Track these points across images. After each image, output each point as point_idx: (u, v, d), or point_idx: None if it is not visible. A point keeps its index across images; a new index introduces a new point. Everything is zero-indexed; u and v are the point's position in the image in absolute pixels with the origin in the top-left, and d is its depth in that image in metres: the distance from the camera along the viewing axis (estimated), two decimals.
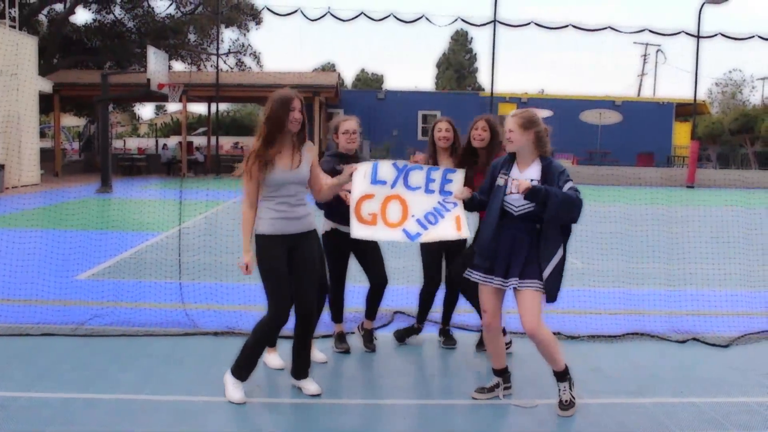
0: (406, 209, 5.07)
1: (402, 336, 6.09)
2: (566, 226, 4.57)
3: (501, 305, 4.72)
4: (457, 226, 5.03)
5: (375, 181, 5.07)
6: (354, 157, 5.54)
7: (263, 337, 4.70)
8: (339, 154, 5.57)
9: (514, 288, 4.53)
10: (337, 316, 5.86)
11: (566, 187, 4.43)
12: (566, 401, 4.56)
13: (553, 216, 4.42)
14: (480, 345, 5.86)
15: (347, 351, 5.77)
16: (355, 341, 5.94)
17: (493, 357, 4.85)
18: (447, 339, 6.05)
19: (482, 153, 5.60)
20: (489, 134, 5.60)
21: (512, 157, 4.68)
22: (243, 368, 4.70)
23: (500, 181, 4.61)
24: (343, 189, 5.11)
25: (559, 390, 4.59)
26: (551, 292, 4.49)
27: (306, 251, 4.72)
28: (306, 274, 4.72)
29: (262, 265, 4.62)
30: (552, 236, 4.48)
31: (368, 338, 5.90)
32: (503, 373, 4.86)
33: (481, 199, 4.83)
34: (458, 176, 5.12)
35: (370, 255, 5.69)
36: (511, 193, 4.51)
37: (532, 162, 4.58)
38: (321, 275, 5.13)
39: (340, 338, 5.86)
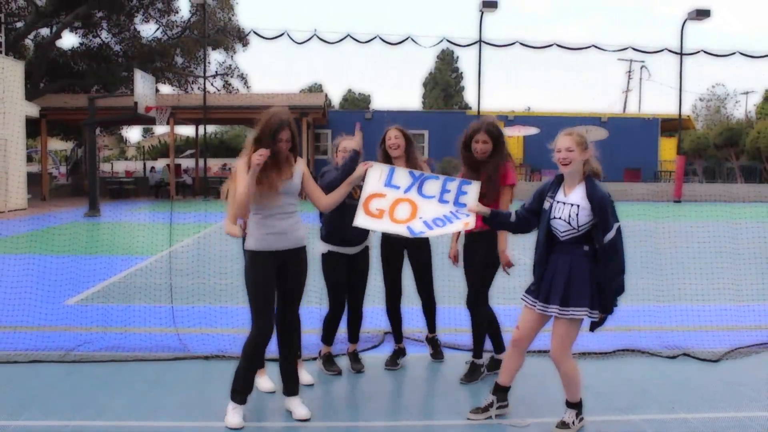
0: (415, 211, 5.03)
1: (392, 362, 6.00)
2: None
3: (536, 330, 4.65)
4: (462, 228, 5.03)
5: (389, 183, 5.06)
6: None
7: (252, 355, 4.67)
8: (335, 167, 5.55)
9: (554, 315, 4.50)
10: (329, 338, 5.83)
11: (612, 232, 4.31)
12: (567, 423, 4.54)
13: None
14: (492, 366, 5.78)
15: (339, 373, 5.74)
16: (345, 363, 5.92)
17: (503, 371, 4.82)
18: (435, 351, 6.05)
19: (487, 165, 5.39)
20: (491, 145, 5.42)
21: (560, 179, 4.57)
22: (239, 391, 4.67)
23: (546, 204, 4.53)
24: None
25: (565, 413, 4.59)
26: (606, 307, 4.47)
27: (294, 269, 4.71)
28: (291, 292, 4.73)
29: (249, 280, 4.61)
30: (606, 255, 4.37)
31: (355, 358, 5.90)
32: (502, 391, 4.82)
33: (521, 216, 4.72)
34: (473, 188, 5.08)
35: (359, 281, 5.70)
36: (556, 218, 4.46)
37: (577, 184, 4.47)
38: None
39: (330, 360, 5.84)
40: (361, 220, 5.01)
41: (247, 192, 4.42)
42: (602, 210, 4.32)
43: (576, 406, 4.58)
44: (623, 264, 4.38)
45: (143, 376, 5.61)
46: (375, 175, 5.05)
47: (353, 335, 5.89)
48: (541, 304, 4.52)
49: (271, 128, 4.54)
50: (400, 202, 5.05)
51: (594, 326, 4.58)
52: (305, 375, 5.50)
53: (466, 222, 4.97)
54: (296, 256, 4.72)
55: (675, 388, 5.42)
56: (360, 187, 5.26)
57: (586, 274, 4.39)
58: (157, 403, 5.04)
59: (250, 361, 4.68)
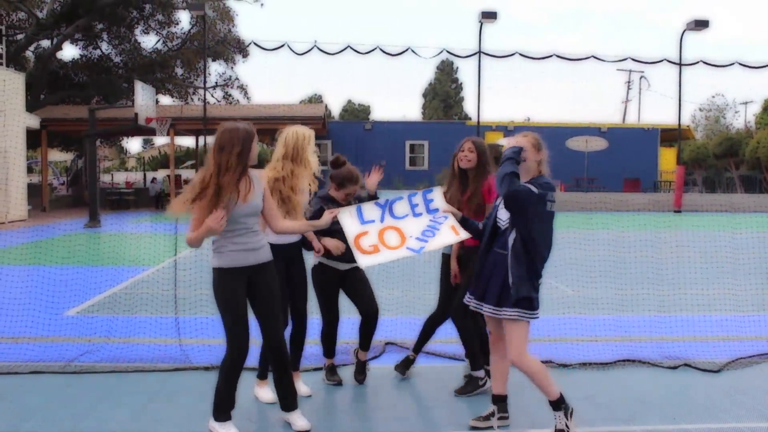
0: (402, 234, 5.08)
1: (403, 369, 5.99)
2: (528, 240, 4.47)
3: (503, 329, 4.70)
4: (454, 231, 5.06)
5: (363, 222, 5.10)
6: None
7: (229, 373, 4.64)
8: (328, 197, 5.54)
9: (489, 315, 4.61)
10: (329, 352, 5.81)
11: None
12: (562, 430, 4.53)
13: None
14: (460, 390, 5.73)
15: (339, 383, 5.73)
16: (346, 373, 5.91)
17: (493, 381, 4.86)
18: (362, 373, 5.89)
19: (470, 175, 5.55)
20: (476, 155, 5.54)
21: None
22: (220, 410, 4.64)
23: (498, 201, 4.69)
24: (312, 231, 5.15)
25: (555, 419, 4.57)
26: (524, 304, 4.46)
27: (265, 284, 4.67)
28: (268, 307, 4.67)
29: (220, 299, 4.56)
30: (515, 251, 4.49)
31: (360, 369, 5.84)
32: (500, 401, 4.83)
33: (476, 225, 4.94)
34: (437, 194, 5.22)
35: (359, 286, 5.63)
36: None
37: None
38: (283, 308, 5.03)
39: (332, 370, 5.83)
40: (364, 261, 5.01)
41: (197, 240, 4.46)
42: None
43: (559, 404, 4.52)
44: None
45: (144, 387, 5.61)
46: (347, 219, 5.07)
47: (365, 342, 5.74)
48: (476, 302, 4.69)
49: (249, 136, 4.49)
50: (384, 231, 5.09)
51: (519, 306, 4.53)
52: (302, 387, 5.49)
53: (452, 225, 5.05)
54: (265, 272, 4.68)
55: (676, 399, 5.42)
56: (357, 199, 5.31)
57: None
58: (157, 414, 5.03)
59: (228, 380, 4.65)
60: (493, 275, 4.58)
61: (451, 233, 5.06)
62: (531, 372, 4.50)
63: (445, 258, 5.77)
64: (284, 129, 5.46)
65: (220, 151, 4.44)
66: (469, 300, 4.81)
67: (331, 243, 5.30)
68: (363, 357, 5.86)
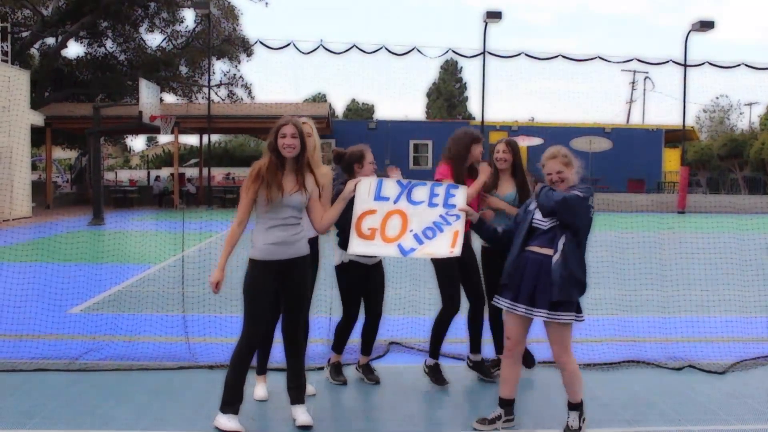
0: (405, 223, 5.07)
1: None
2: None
3: (526, 331, 4.75)
4: (452, 242, 5.04)
5: (378, 197, 5.08)
6: None
7: (240, 364, 4.67)
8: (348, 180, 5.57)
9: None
10: (338, 347, 5.78)
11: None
12: (573, 427, 4.59)
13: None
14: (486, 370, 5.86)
15: (344, 383, 5.72)
16: (352, 373, 5.90)
17: (503, 384, 4.83)
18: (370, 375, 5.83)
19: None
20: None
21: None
22: (229, 403, 4.66)
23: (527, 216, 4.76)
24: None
25: (569, 417, 4.62)
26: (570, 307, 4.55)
27: (296, 278, 4.70)
28: (295, 300, 4.73)
29: (248, 287, 4.61)
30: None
31: (368, 371, 5.81)
32: (508, 405, 4.82)
33: (492, 228, 5.03)
34: (461, 192, 5.16)
35: (376, 288, 5.64)
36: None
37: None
38: (308, 305, 5.08)
39: (337, 370, 5.80)
40: (355, 246, 5.04)
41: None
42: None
43: (578, 407, 4.62)
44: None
45: (148, 386, 5.61)
46: (364, 190, 5.06)
47: (366, 347, 5.78)
48: (510, 302, 4.67)
49: (276, 127, 4.61)
50: (390, 216, 5.07)
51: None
52: (307, 385, 5.48)
53: (456, 231, 5.04)
54: (298, 266, 4.71)
55: (680, 400, 5.40)
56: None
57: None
58: (161, 412, 5.03)
59: (238, 370, 4.68)
60: (533, 276, 4.58)
61: (446, 244, 5.04)
62: (572, 372, 4.59)
63: (485, 251, 5.84)
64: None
65: (269, 137, 4.65)
66: (499, 301, 4.76)
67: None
68: (365, 361, 5.84)
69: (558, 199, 4.47)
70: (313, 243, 5.35)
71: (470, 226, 5.13)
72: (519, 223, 4.81)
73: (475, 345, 5.90)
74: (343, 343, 5.78)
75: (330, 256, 5.67)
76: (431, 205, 5.11)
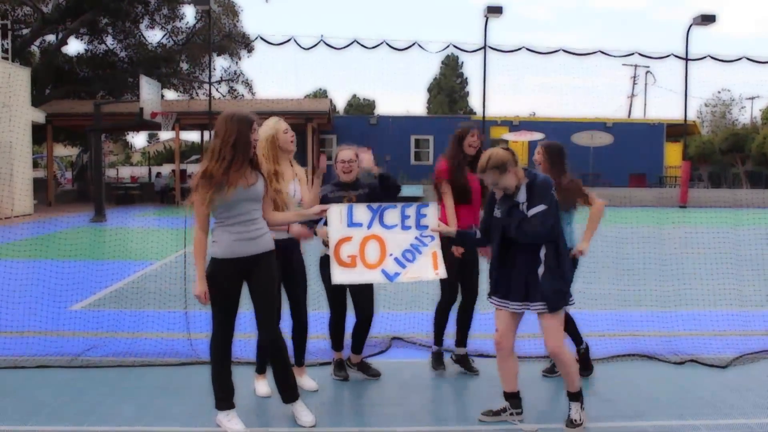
0: (384, 248, 5.03)
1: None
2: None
3: (515, 326, 4.75)
4: (434, 264, 5.04)
5: (351, 224, 5.05)
6: (353, 186, 5.52)
7: (218, 361, 4.67)
8: (338, 183, 5.56)
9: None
10: (337, 344, 5.77)
11: (534, 210, 4.51)
12: (575, 420, 4.61)
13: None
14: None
15: (346, 378, 5.72)
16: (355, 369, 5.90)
17: (503, 379, 4.85)
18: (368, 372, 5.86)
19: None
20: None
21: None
22: (222, 398, 4.66)
23: (497, 212, 4.74)
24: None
25: (570, 409, 4.65)
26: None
27: (262, 275, 4.63)
28: (265, 298, 4.64)
29: (212, 287, 4.52)
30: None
31: (365, 368, 5.81)
32: (512, 398, 4.83)
33: (473, 235, 5.02)
34: (431, 210, 5.14)
35: (360, 287, 5.52)
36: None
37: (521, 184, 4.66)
38: (280, 300, 5.00)
39: (339, 366, 5.80)
40: (338, 276, 5.01)
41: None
42: (537, 192, 4.57)
43: (578, 396, 4.65)
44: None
45: (150, 382, 5.62)
46: (335, 217, 5.03)
47: (357, 346, 5.74)
48: (519, 303, 4.66)
49: (248, 122, 4.50)
50: (367, 241, 5.04)
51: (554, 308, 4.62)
52: (309, 381, 5.48)
53: (434, 252, 5.04)
54: (264, 261, 4.64)
55: (683, 395, 5.40)
56: (368, 186, 5.28)
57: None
58: (164, 409, 5.04)
59: (220, 366, 4.67)
60: (524, 273, 4.60)
61: (430, 266, 5.03)
62: (567, 362, 4.59)
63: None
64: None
65: (215, 138, 4.50)
66: (492, 300, 4.77)
67: (323, 232, 5.26)
68: (357, 360, 5.81)
69: (533, 234, 4.50)
70: (296, 242, 5.33)
71: (451, 240, 5.19)
72: (487, 227, 4.82)
73: (461, 339, 5.97)
74: (339, 339, 5.75)
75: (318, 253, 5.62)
76: (404, 228, 5.09)
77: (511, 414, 4.80)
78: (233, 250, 4.52)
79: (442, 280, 5.64)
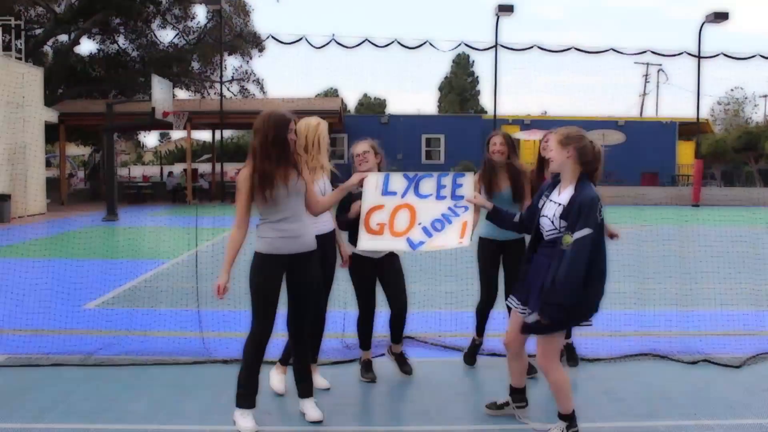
0: (414, 217, 5.06)
1: (470, 358, 6.09)
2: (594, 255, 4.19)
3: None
4: (461, 233, 5.00)
5: (386, 192, 5.08)
6: None
7: (251, 357, 4.68)
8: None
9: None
10: (364, 343, 5.72)
11: (578, 234, 4.12)
12: None
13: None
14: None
15: (373, 380, 5.64)
16: (382, 370, 5.81)
17: (511, 374, 4.84)
18: (403, 364, 5.81)
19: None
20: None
21: (558, 179, 4.49)
22: (245, 396, 4.68)
23: (540, 202, 4.49)
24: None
25: (555, 424, 4.46)
26: (560, 324, 4.32)
27: (303, 273, 4.69)
28: (300, 296, 4.71)
29: (254, 282, 4.59)
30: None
31: (402, 361, 5.76)
32: (516, 392, 4.83)
33: (524, 215, 4.72)
34: (468, 180, 5.12)
35: (393, 280, 5.56)
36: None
37: (569, 185, 4.35)
38: (317, 300, 5.04)
39: (367, 367, 5.73)
40: (363, 242, 5.04)
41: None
42: (578, 211, 4.16)
43: (567, 418, 4.40)
44: (578, 277, 4.11)
45: (163, 380, 5.64)
46: (371, 185, 5.06)
47: (395, 336, 5.70)
48: (522, 306, 4.51)
49: (284, 122, 4.57)
50: (399, 210, 5.07)
51: (526, 329, 4.45)
52: (320, 380, 5.48)
53: (465, 222, 5.01)
54: (306, 260, 4.70)
55: (696, 394, 5.38)
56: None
57: None
58: (177, 407, 5.06)
59: (252, 363, 4.69)
60: (534, 279, 4.39)
61: (456, 235, 5.00)
62: (557, 380, 4.36)
63: (483, 242, 5.84)
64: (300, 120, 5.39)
65: (255, 137, 4.59)
66: (512, 303, 4.65)
67: (356, 208, 5.24)
68: (396, 350, 5.79)
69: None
70: (330, 239, 5.35)
71: (487, 216, 4.99)
72: (529, 218, 4.62)
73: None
74: (367, 338, 5.71)
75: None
76: (439, 197, 5.09)
77: (515, 408, 4.81)
78: (277, 247, 4.58)
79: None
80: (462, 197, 5.06)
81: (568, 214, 4.20)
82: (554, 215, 4.29)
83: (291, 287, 4.73)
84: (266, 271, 4.60)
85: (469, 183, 5.10)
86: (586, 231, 4.12)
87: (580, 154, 4.30)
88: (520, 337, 4.62)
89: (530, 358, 5.13)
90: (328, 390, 5.40)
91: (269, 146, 4.51)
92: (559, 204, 4.30)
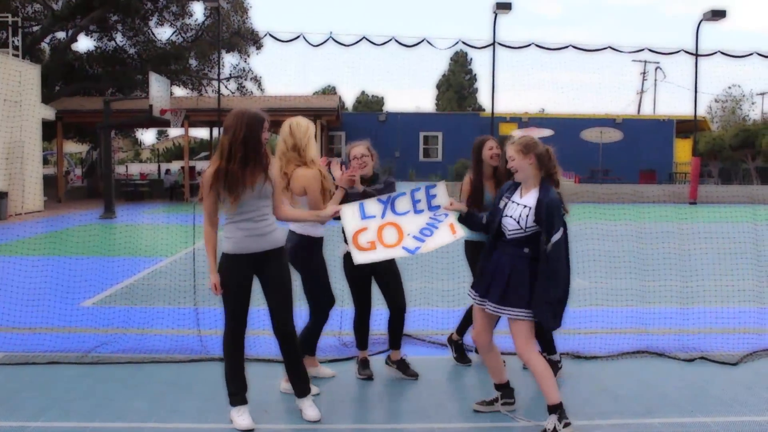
0: (401, 231, 5.11)
1: (462, 358, 6.10)
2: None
3: (490, 324, 4.82)
4: (451, 230, 5.10)
5: (365, 217, 5.11)
6: (371, 180, 5.52)
7: (230, 356, 4.72)
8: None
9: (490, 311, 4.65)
10: (361, 343, 5.72)
11: (555, 237, 4.42)
12: (548, 429, 4.44)
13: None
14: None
15: (370, 377, 5.66)
16: (379, 368, 5.82)
17: (490, 372, 4.96)
18: (405, 371, 5.73)
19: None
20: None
21: (518, 183, 4.75)
22: (234, 393, 4.70)
23: (501, 203, 4.72)
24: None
25: (547, 419, 4.49)
26: (546, 323, 4.50)
27: (273, 271, 4.68)
28: (278, 293, 4.69)
29: (224, 282, 4.59)
30: (548, 266, 4.45)
31: (404, 367, 5.71)
32: (503, 388, 4.94)
33: (487, 220, 4.91)
34: (440, 189, 5.22)
35: (390, 279, 5.56)
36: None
37: (532, 188, 4.62)
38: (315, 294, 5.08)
39: (364, 364, 5.74)
40: (359, 258, 5.05)
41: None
42: (549, 214, 4.45)
43: (556, 409, 4.45)
44: (566, 271, 4.52)
45: (160, 378, 5.64)
46: (349, 215, 5.10)
47: (394, 341, 5.69)
48: (480, 298, 4.72)
49: (259, 120, 4.53)
50: (383, 228, 5.11)
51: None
52: (325, 369, 5.61)
53: (451, 224, 5.11)
54: (274, 258, 4.69)
55: (693, 392, 5.39)
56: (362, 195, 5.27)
57: (525, 275, 4.52)
58: (174, 404, 5.06)
59: (234, 361, 4.71)
60: (496, 276, 4.62)
61: (448, 232, 5.09)
62: (536, 370, 4.50)
63: (468, 245, 5.82)
64: (286, 121, 5.37)
65: (225, 134, 4.53)
66: (471, 295, 4.86)
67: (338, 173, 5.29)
68: (396, 357, 5.74)
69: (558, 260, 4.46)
70: (318, 245, 5.35)
71: (459, 218, 5.15)
72: (491, 220, 4.81)
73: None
74: (363, 337, 5.71)
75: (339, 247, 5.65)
76: (417, 212, 5.17)
77: (503, 404, 4.91)
78: (243, 246, 4.58)
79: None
80: (438, 207, 5.16)
81: (539, 216, 4.48)
82: (520, 216, 4.55)
83: (264, 286, 4.72)
84: (235, 271, 4.60)
85: (442, 191, 5.20)
86: (560, 233, 4.46)
87: (540, 159, 4.60)
88: (487, 331, 4.81)
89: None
90: (318, 395, 5.23)
91: (238, 145, 4.45)
92: (525, 206, 4.57)
